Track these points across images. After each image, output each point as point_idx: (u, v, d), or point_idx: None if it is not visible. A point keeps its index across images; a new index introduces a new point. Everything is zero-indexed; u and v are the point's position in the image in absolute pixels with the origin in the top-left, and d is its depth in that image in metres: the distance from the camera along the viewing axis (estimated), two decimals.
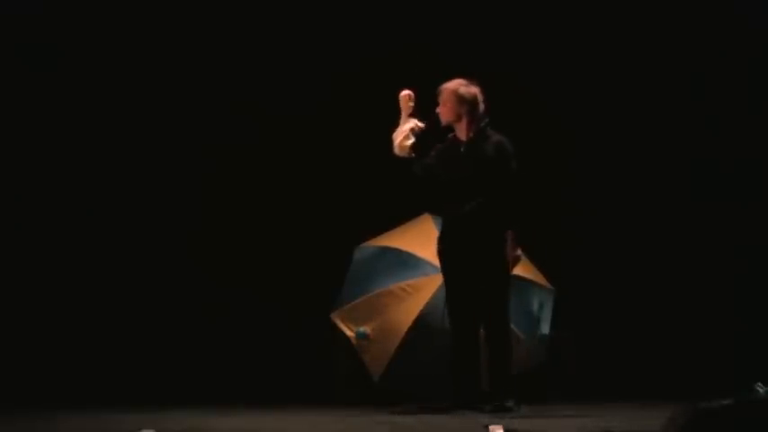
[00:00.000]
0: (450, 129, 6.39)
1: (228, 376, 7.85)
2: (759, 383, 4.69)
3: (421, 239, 6.98)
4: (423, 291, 6.75)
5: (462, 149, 6.30)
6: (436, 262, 6.74)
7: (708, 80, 8.22)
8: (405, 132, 6.34)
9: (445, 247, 6.37)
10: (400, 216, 7.28)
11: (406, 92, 6.41)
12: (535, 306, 6.95)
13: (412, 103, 6.39)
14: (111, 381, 7.71)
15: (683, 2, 8.23)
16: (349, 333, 6.85)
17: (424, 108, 6.38)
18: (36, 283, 8.05)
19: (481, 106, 6.31)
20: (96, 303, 8.09)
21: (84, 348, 7.91)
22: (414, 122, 6.36)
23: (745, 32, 8.17)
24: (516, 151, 6.28)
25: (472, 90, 6.30)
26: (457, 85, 6.32)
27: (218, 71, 8.29)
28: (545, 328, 6.92)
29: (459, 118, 6.30)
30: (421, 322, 6.68)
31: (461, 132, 6.33)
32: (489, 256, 6.19)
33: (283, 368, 7.87)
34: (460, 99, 6.28)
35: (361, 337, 6.79)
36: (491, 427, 5.06)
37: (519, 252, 6.22)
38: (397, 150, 6.37)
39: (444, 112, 6.33)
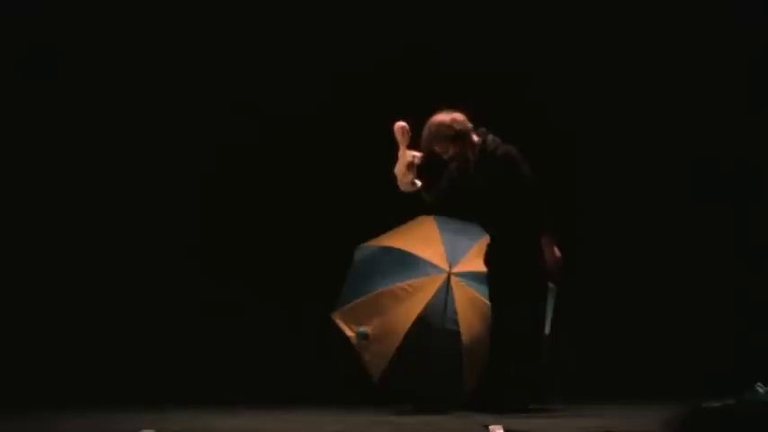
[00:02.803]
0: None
1: (228, 376, 7.85)
2: (759, 383, 4.69)
3: (422, 239, 6.97)
4: (423, 291, 6.74)
5: (472, 172, 6.19)
6: (436, 262, 6.75)
7: (708, 80, 8.22)
8: (403, 169, 6.14)
9: (493, 271, 6.31)
10: (401, 216, 7.27)
11: (400, 124, 6.14)
12: None
13: (408, 135, 6.12)
14: (111, 381, 7.71)
15: (683, 3, 8.23)
16: (349, 333, 6.84)
17: (427, 108, 6.30)
18: (36, 283, 8.05)
19: (469, 127, 6.15)
20: (96, 303, 8.09)
21: (84, 348, 7.91)
22: (411, 155, 6.12)
23: (745, 33, 8.17)
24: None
25: (456, 119, 6.12)
26: (438, 124, 6.12)
27: (219, 71, 8.29)
28: (546, 328, 6.90)
29: (455, 150, 6.15)
30: (421, 322, 6.66)
31: (464, 159, 6.19)
32: (530, 268, 6.14)
33: (283, 368, 7.87)
34: (447, 137, 6.12)
35: (362, 337, 6.78)
36: (491, 427, 5.06)
37: (558, 254, 6.13)
38: (402, 187, 6.19)
39: (441, 151, 6.17)
